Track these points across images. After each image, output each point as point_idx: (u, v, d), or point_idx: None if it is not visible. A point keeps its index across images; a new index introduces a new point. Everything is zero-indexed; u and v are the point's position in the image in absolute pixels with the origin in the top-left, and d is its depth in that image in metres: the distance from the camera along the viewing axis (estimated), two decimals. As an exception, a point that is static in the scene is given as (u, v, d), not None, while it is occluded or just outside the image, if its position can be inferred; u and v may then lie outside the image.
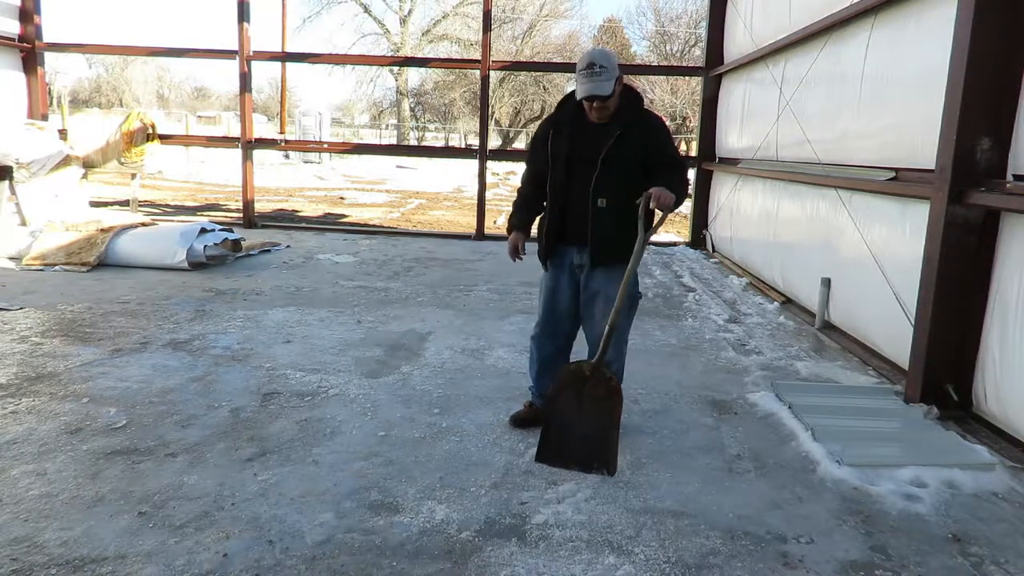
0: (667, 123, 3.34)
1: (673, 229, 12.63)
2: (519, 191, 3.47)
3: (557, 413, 3.08)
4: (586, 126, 3.14)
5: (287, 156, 27.08)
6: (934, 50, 4.09)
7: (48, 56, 10.51)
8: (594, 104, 3.03)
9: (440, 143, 42.18)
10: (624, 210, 3.11)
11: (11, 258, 6.91)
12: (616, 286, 3.21)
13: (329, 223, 11.85)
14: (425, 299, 6.15)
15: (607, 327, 3.01)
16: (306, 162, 27.28)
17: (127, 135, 10.07)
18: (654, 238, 3.24)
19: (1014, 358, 3.43)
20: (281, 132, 26.07)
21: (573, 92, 3.17)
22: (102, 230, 7.12)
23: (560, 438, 3.05)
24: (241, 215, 10.32)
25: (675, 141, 3.26)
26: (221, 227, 7.61)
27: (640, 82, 29.50)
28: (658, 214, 3.04)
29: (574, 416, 3.05)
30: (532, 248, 3.37)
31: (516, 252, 3.40)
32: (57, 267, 6.64)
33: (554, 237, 3.25)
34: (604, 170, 3.07)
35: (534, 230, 3.42)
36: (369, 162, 28.76)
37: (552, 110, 3.36)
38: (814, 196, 6.00)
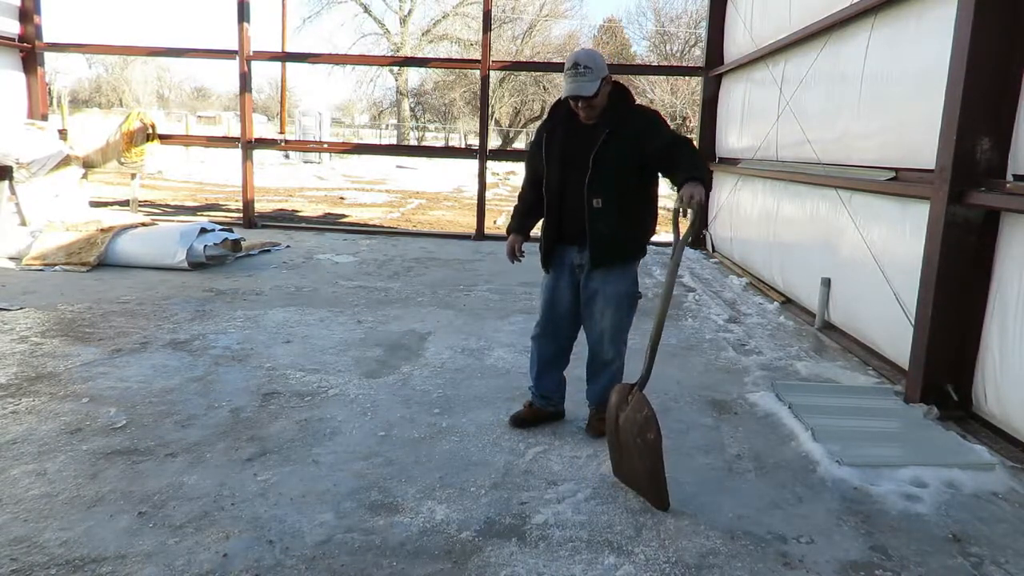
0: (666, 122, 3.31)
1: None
2: (519, 196, 3.51)
3: (611, 433, 2.96)
4: (577, 127, 3.16)
5: (287, 156, 27.06)
6: (934, 50, 4.09)
7: (48, 56, 10.51)
8: (579, 104, 3.05)
9: (440, 143, 42.17)
10: (621, 209, 3.11)
11: (11, 258, 6.91)
12: (614, 286, 3.21)
13: (329, 223, 11.84)
14: (425, 299, 6.15)
15: (648, 345, 2.91)
16: (306, 162, 27.26)
17: (127, 135, 10.07)
18: (656, 238, 3.18)
19: (1014, 358, 3.43)
20: (281, 132, 26.07)
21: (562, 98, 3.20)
22: (102, 230, 7.12)
23: (619, 458, 2.95)
24: (241, 215, 10.32)
25: (690, 140, 3.21)
26: (221, 227, 7.61)
27: (640, 82, 29.49)
28: (689, 213, 2.93)
29: (611, 431, 2.95)
30: (531, 249, 3.38)
31: (513, 254, 3.44)
32: (57, 267, 6.64)
33: (553, 238, 3.27)
34: (596, 169, 3.07)
35: (536, 232, 3.42)
36: (369, 162, 28.75)
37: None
38: (814, 196, 6.00)
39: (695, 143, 10.01)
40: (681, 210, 2.88)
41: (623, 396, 2.90)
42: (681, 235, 2.87)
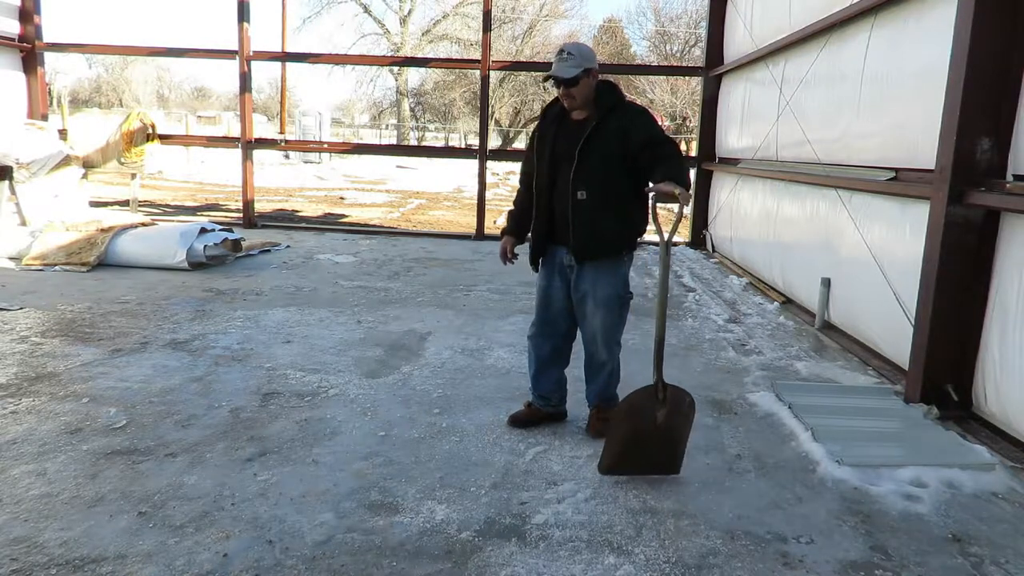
0: (666, 123, 3.33)
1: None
2: (515, 199, 3.53)
3: (637, 434, 2.92)
4: (568, 125, 3.20)
5: (287, 156, 27.06)
6: (934, 50, 4.09)
7: (48, 56, 10.50)
8: (561, 90, 3.10)
9: (440, 143, 42.16)
10: (605, 202, 3.12)
11: (11, 258, 6.91)
12: (603, 288, 3.20)
13: (329, 223, 11.84)
14: (425, 299, 6.15)
15: (654, 342, 2.93)
16: (306, 162, 27.27)
17: (127, 135, 10.08)
18: (650, 237, 3.19)
19: (1014, 358, 3.43)
20: (281, 132, 26.07)
21: (557, 97, 3.23)
22: (102, 230, 7.12)
23: (628, 453, 2.93)
24: (241, 215, 10.32)
25: (677, 143, 3.20)
26: (221, 227, 7.61)
27: (640, 82, 29.49)
28: (666, 209, 2.95)
29: (643, 434, 2.91)
30: (525, 250, 3.38)
31: (505, 255, 3.45)
32: (57, 267, 6.63)
33: (543, 237, 3.28)
34: (581, 162, 3.10)
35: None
36: (369, 162, 28.75)
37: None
38: (814, 196, 6.00)
39: (695, 143, 10.03)
40: (657, 203, 2.89)
41: (651, 398, 2.88)
42: (666, 234, 2.89)
